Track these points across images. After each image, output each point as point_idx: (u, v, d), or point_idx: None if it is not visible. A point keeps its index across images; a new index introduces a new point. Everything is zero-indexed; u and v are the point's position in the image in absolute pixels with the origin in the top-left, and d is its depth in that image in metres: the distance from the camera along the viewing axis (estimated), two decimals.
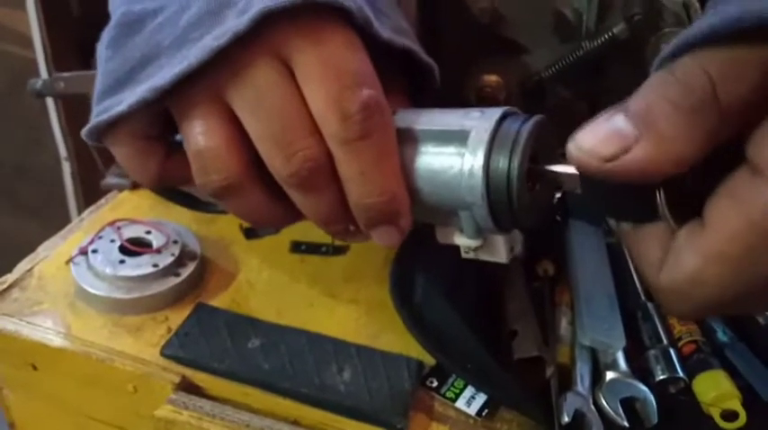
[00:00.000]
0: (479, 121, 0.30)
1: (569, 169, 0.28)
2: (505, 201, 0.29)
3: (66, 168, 1.38)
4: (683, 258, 0.23)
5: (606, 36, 0.36)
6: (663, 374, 0.43)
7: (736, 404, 0.41)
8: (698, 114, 0.22)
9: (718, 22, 0.22)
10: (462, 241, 0.33)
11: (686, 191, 0.24)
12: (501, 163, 0.28)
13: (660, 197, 0.24)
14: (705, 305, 0.24)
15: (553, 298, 0.49)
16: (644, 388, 0.42)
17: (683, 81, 0.23)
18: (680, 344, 0.45)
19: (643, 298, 0.48)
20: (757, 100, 0.22)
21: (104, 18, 0.40)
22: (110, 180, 0.60)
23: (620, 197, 0.26)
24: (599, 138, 0.23)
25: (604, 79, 0.38)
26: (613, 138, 0.23)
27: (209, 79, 0.32)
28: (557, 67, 0.37)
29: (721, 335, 0.46)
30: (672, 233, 0.25)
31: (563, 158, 0.26)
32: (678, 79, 0.23)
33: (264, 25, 0.30)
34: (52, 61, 1.26)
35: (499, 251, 0.33)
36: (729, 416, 0.41)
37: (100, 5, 0.41)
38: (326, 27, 0.31)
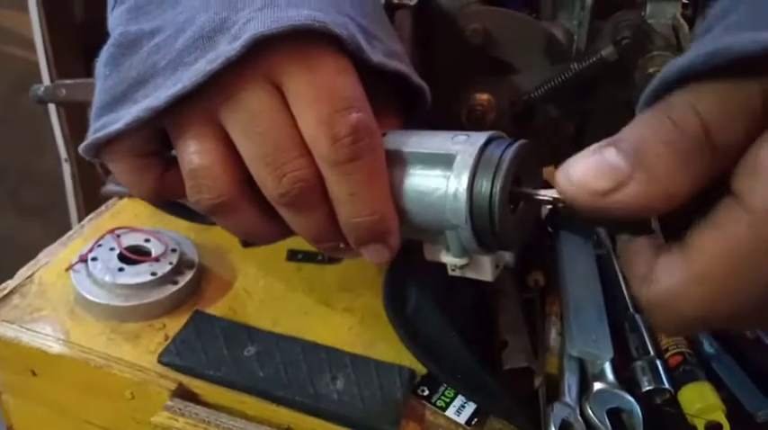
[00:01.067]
0: (465, 146, 0.31)
1: (551, 193, 0.29)
2: (488, 224, 0.30)
3: (67, 170, 1.39)
4: (664, 277, 0.24)
5: (595, 58, 0.37)
6: (649, 385, 0.43)
7: (720, 416, 0.42)
8: (691, 156, 0.22)
9: (694, 59, 0.23)
10: (448, 259, 0.33)
11: (680, 207, 0.24)
12: (484, 187, 0.29)
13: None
14: (686, 322, 0.24)
15: (543, 308, 0.50)
16: (630, 398, 0.42)
17: (676, 122, 0.23)
18: (667, 355, 0.46)
19: (631, 309, 0.49)
20: (745, 135, 0.22)
21: (107, 23, 0.41)
22: (110, 187, 0.61)
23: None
24: (591, 172, 0.23)
25: (593, 100, 0.39)
26: (606, 173, 0.23)
27: (203, 101, 0.33)
28: (546, 87, 0.38)
29: (708, 347, 0.47)
30: (658, 249, 0.26)
31: (545, 182, 0.27)
32: (671, 120, 0.23)
33: (257, 50, 0.31)
34: (54, 65, 1.27)
35: (485, 269, 0.34)
36: (714, 427, 0.42)
37: (102, 10, 0.42)
38: (317, 52, 0.32)
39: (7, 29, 1.37)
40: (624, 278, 0.51)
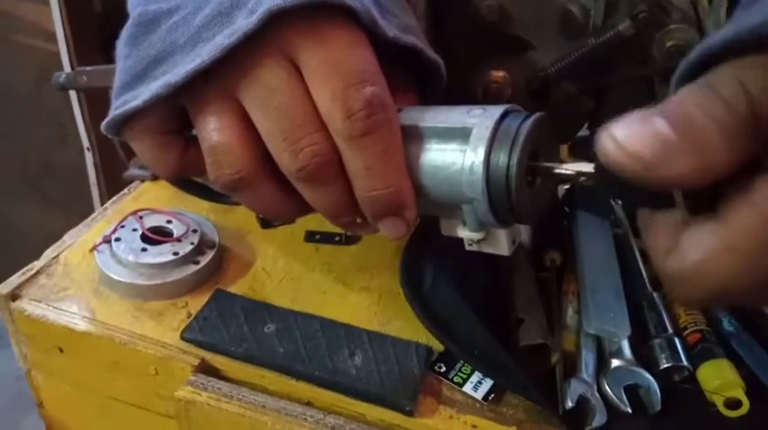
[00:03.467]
0: (481, 119, 0.31)
1: (573, 167, 0.29)
2: (505, 197, 0.30)
3: (89, 158, 1.41)
4: (693, 247, 0.24)
5: (611, 33, 0.37)
6: (667, 362, 0.43)
7: (739, 393, 0.41)
8: (737, 133, 0.22)
9: (742, 31, 0.23)
10: (465, 234, 0.34)
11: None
12: (501, 159, 0.30)
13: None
14: (710, 294, 0.24)
15: (560, 287, 0.50)
16: (648, 375, 0.42)
17: (725, 98, 0.23)
18: (685, 333, 0.46)
19: (649, 288, 0.49)
20: None
21: (126, 14, 0.42)
22: (132, 171, 0.62)
23: (637, 187, 0.26)
24: (642, 142, 0.23)
25: (610, 76, 0.39)
26: (657, 145, 0.23)
27: (221, 77, 0.33)
28: (563, 63, 0.38)
29: (727, 325, 0.46)
30: (684, 223, 0.25)
31: (566, 157, 0.27)
32: (720, 96, 0.23)
33: (273, 25, 0.31)
34: (75, 56, 1.29)
35: (501, 244, 0.34)
36: (733, 404, 0.41)
37: (121, 1, 0.42)
38: (332, 26, 0.32)
39: (29, 21, 1.39)
40: (642, 256, 0.51)
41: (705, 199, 0.24)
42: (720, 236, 0.23)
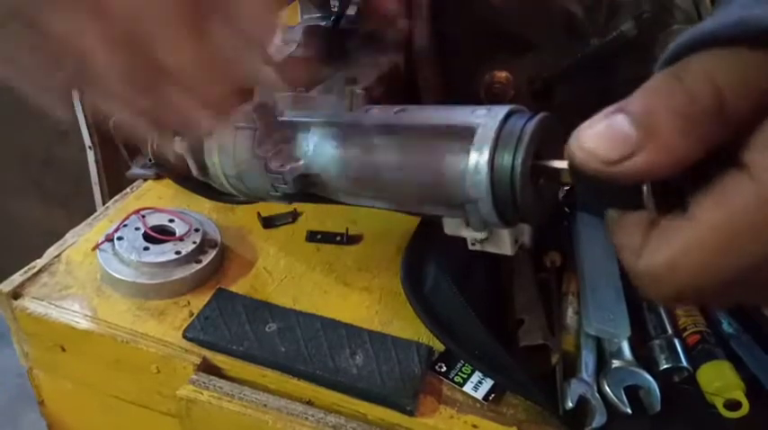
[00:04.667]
0: (485, 119, 0.31)
1: (557, 164, 0.29)
2: (509, 197, 0.30)
3: (91, 157, 1.41)
4: (664, 245, 0.24)
5: (615, 34, 0.37)
6: (667, 363, 0.44)
7: (739, 394, 0.42)
8: (702, 125, 0.22)
9: (719, 25, 0.23)
10: (468, 233, 0.34)
11: (670, 182, 0.25)
12: (505, 159, 0.30)
13: (646, 187, 0.25)
14: (681, 291, 0.24)
15: (560, 288, 0.50)
16: (648, 376, 0.43)
17: (689, 90, 0.23)
18: (685, 334, 0.46)
19: None
20: (761, 108, 0.22)
21: None
22: (135, 170, 0.62)
23: (606, 186, 0.26)
24: (602, 140, 0.23)
25: (613, 76, 0.39)
26: (617, 142, 0.23)
27: None
28: (566, 64, 0.38)
29: (726, 327, 0.47)
30: (653, 222, 0.26)
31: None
32: (684, 88, 0.23)
33: None
34: None
35: (504, 243, 0.34)
36: (732, 405, 0.42)
37: None
38: None
39: None
40: None
41: (673, 196, 0.25)
42: (689, 233, 0.23)
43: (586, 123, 0.24)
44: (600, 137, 0.23)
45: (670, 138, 0.22)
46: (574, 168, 0.25)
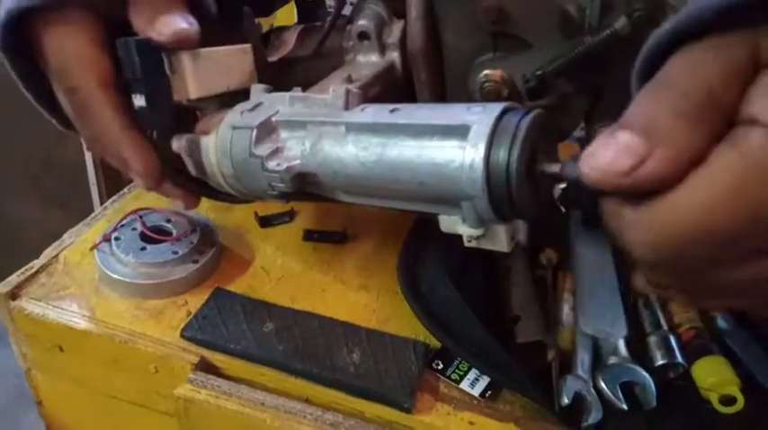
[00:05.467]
0: (480, 116, 0.31)
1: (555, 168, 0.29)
2: (505, 193, 0.30)
3: (89, 158, 1.41)
4: (672, 192, 0.24)
5: (608, 32, 0.37)
6: (662, 360, 0.44)
7: (734, 389, 0.42)
8: (700, 116, 0.23)
9: (682, 21, 0.24)
10: (464, 230, 0.34)
11: None
12: (501, 156, 0.30)
13: None
14: (682, 236, 0.24)
15: (556, 285, 0.50)
16: (643, 372, 0.43)
17: (679, 90, 0.23)
18: (680, 330, 0.46)
19: None
20: (744, 88, 0.23)
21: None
22: None
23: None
24: (612, 157, 0.24)
25: (606, 75, 0.39)
26: (626, 154, 0.24)
27: None
28: (560, 62, 0.38)
29: (721, 323, 0.47)
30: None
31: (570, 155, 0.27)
32: (676, 89, 0.24)
33: None
34: None
35: (501, 240, 0.34)
36: (728, 401, 0.42)
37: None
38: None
39: None
40: None
41: None
42: (700, 173, 0.23)
43: (590, 148, 0.25)
44: (609, 154, 0.24)
45: (673, 137, 0.23)
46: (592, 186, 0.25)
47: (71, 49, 0.39)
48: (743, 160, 0.23)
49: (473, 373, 0.44)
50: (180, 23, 0.39)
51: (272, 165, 0.37)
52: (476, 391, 0.43)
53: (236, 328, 0.46)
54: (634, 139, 0.24)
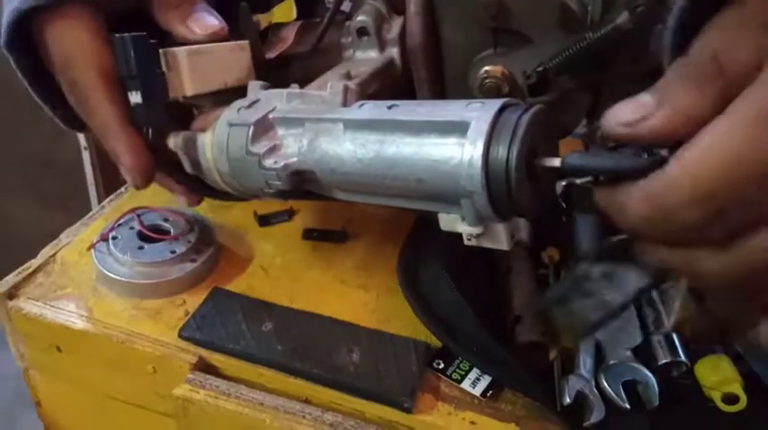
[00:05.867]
0: (479, 113, 0.30)
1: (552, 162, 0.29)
2: (504, 190, 0.30)
3: (87, 158, 1.41)
4: (685, 146, 0.25)
5: (610, 27, 0.36)
6: (665, 358, 0.43)
7: (737, 388, 0.42)
8: (704, 82, 0.25)
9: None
10: (464, 228, 0.33)
11: None
12: (500, 153, 0.29)
13: None
14: (701, 191, 0.24)
15: None
16: (646, 371, 0.42)
17: (690, 58, 0.26)
18: (682, 328, 0.46)
19: None
20: (755, 56, 0.24)
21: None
22: None
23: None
24: (625, 109, 0.27)
25: (608, 70, 0.39)
26: (637, 108, 0.26)
27: None
28: (561, 58, 0.38)
29: None
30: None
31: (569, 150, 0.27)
32: (687, 58, 0.26)
33: None
34: None
35: (500, 238, 0.33)
36: (730, 399, 0.42)
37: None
38: None
39: None
40: None
41: None
42: (716, 125, 0.24)
43: (616, 105, 0.28)
44: (625, 107, 0.27)
45: (678, 97, 0.25)
46: (607, 136, 0.27)
47: (72, 42, 0.39)
48: (760, 108, 0.23)
49: (474, 373, 0.43)
50: (213, 21, 0.41)
51: (268, 162, 0.37)
52: (477, 391, 0.42)
53: (234, 328, 0.46)
54: (648, 99, 0.26)
